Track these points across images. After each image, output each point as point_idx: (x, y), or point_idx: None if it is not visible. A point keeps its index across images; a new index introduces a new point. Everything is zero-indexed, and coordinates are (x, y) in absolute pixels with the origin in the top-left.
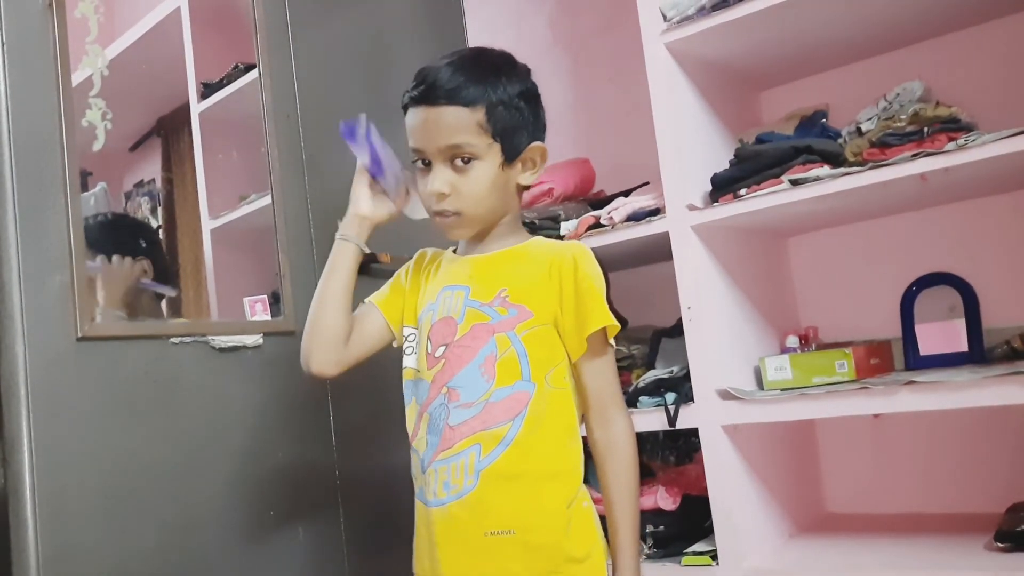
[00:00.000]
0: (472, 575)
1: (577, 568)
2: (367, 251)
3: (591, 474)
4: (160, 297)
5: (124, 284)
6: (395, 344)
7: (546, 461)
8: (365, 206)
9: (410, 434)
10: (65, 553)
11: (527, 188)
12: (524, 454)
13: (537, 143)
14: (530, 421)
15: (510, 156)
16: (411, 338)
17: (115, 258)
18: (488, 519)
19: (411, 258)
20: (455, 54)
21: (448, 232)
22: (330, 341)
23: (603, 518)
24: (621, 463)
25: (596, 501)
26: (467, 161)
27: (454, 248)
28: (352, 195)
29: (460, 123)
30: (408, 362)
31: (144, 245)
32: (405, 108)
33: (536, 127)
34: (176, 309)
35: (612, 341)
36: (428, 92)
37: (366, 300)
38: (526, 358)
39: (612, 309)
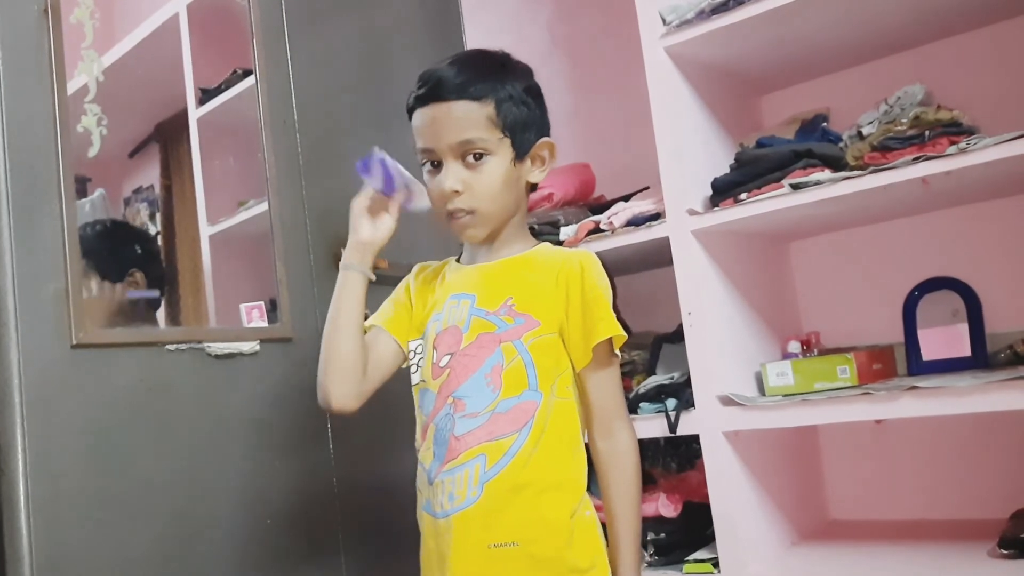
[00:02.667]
0: None
1: None
2: (373, 278)
3: (592, 483)
4: (153, 305)
5: (108, 308)
6: (404, 365)
7: (550, 472)
8: (366, 232)
9: (417, 446)
10: (59, 562)
11: (535, 187)
12: (529, 465)
13: (546, 139)
14: (536, 431)
15: (521, 152)
16: (417, 350)
17: (95, 282)
18: (492, 531)
19: (410, 268)
20: (457, 55)
21: (462, 233)
22: (348, 375)
23: (604, 527)
24: (624, 475)
25: (597, 509)
26: (479, 157)
27: (457, 257)
28: (351, 223)
29: (470, 117)
30: (414, 377)
31: (139, 253)
32: (410, 111)
33: (543, 123)
34: (174, 316)
35: (618, 351)
36: (436, 89)
37: (370, 323)
38: (533, 367)
39: (618, 319)
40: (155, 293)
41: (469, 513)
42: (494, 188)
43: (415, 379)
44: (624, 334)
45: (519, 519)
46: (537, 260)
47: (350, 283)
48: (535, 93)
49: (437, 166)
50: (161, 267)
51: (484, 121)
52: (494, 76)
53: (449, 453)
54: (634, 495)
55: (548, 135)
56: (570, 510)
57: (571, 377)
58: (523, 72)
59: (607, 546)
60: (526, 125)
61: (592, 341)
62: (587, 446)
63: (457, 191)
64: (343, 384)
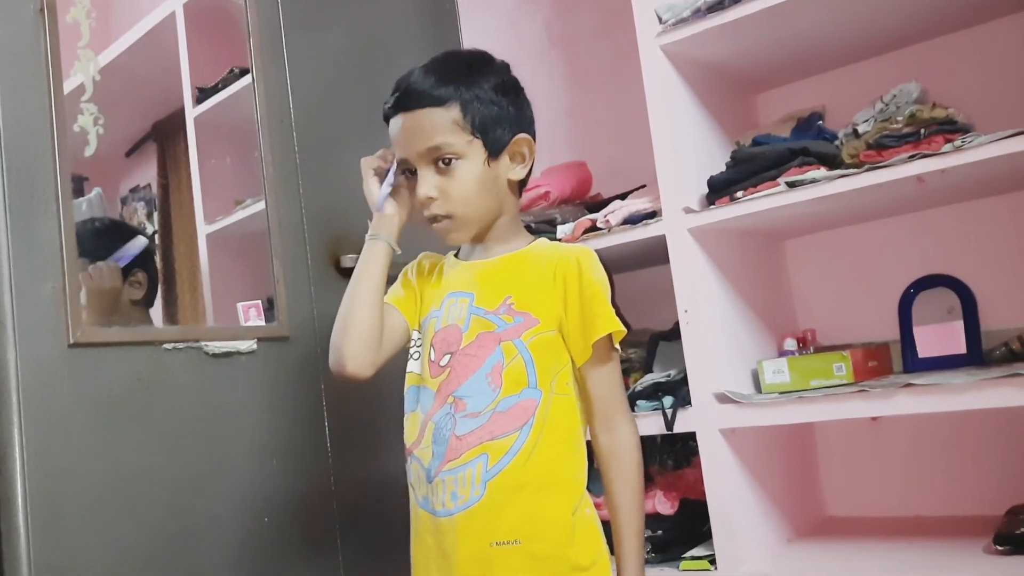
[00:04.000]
0: None
1: None
2: (398, 251)
3: (592, 480)
4: (149, 299)
5: (106, 294)
6: (408, 346)
7: (552, 469)
8: (390, 205)
9: (410, 443)
10: (57, 560)
11: (523, 184)
12: (531, 463)
13: (522, 135)
14: (536, 429)
15: (494, 151)
16: (416, 343)
17: (92, 267)
18: (494, 529)
19: (414, 259)
20: (429, 61)
21: (445, 236)
22: (366, 341)
23: (605, 523)
24: (626, 469)
25: (598, 506)
26: (449, 162)
27: (455, 253)
28: (370, 197)
29: (435, 124)
30: (412, 367)
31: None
32: (386, 119)
33: (519, 120)
34: (171, 315)
35: (618, 346)
36: (402, 99)
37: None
38: (533, 365)
39: (617, 314)
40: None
41: (472, 512)
42: (468, 191)
43: (411, 370)
44: (623, 329)
45: (521, 517)
46: (534, 257)
47: (376, 252)
48: (507, 90)
49: (414, 174)
50: (158, 266)
51: (450, 125)
52: (458, 78)
53: (450, 452)
54: (636, 488)
55: (527, 130)
56: (571, 507)
57: (571, 373)
58: (494, 70)
59: (605, 542)
60: (496, 123)
61: (591, 337)
62: (588, 443)
63: (432, 197)
64: (360, 350)
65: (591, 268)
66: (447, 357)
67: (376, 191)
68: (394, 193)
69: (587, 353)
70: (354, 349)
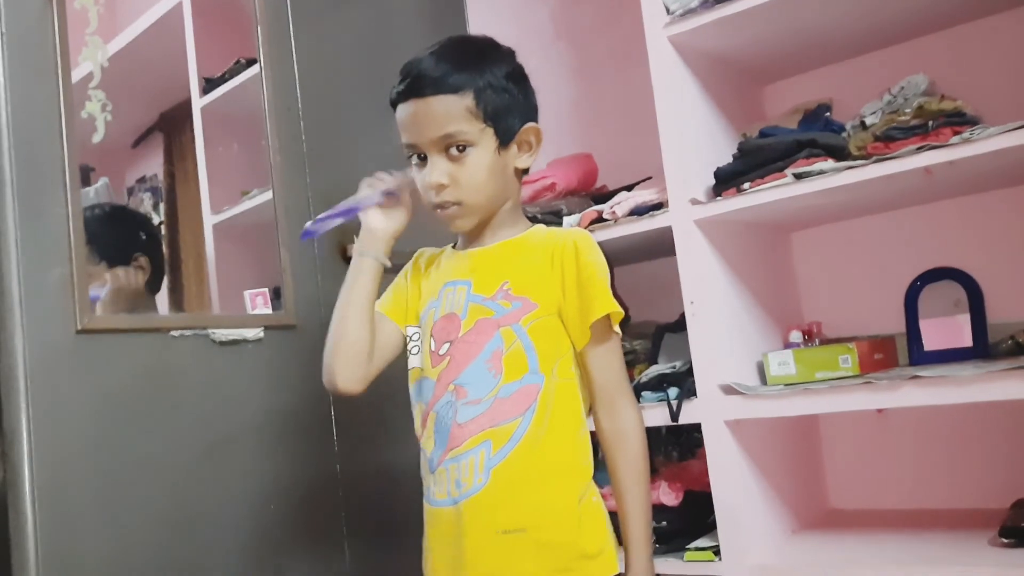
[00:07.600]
0: (487, 574)
1: (590, 564)
2: (388, 264)
3: (598, 470)
4: (154, 284)
5: (125, 293)
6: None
7: (557, 456)
8: (376, 221)
9: (417, 434)
10: (64, 546)
11: (526, 172)
12: (534, 450)
13: (531, 124)
14: (540, 415)
15: (504, 139)
16: (415, 337)
17: (120, 271)
18: (500, 518)
19: (411, 258)
20: (437, 44)
21: (451, 223)
22: (355, 358)
23: (612, 513)
24: (631, 453)
25: (604, 496)
26: (462, 149)
27: (453, 244)
28: (361, 218)
29: (450, 111)
30: (413, 362)
31: (143, 239)
32: (394, 104)
33: (527, 108)
34: (178, 302)
35: (617, 328)
36: (414, 84)
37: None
38: (533, 350)
39: (616, 299)
40: None
41: (476, 500)
42: (479, 179)
43: (412, 365)
44: (621, 311)
45: (527, 505)
46: (531, 242)
47: (363, 269)
48: (517, 77)
49: (423, 159)
50: (162, 254)
51: (464, 113)
52: (472, 66)
53: (452, 441)
54: (642, 473)
55: (534, 118)
56: (578, 495)
57: (572, 358)
58: (504, 57)
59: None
60: (508, 111)
61: (589, 319)
62: (593, 432)
63: (443, 184)
64: (350, 367)
65: (588, 251)
66: (446, 346)
67: (365, 193)
68: (391, 204)
69: (586, 336)
70: (343, 366)
